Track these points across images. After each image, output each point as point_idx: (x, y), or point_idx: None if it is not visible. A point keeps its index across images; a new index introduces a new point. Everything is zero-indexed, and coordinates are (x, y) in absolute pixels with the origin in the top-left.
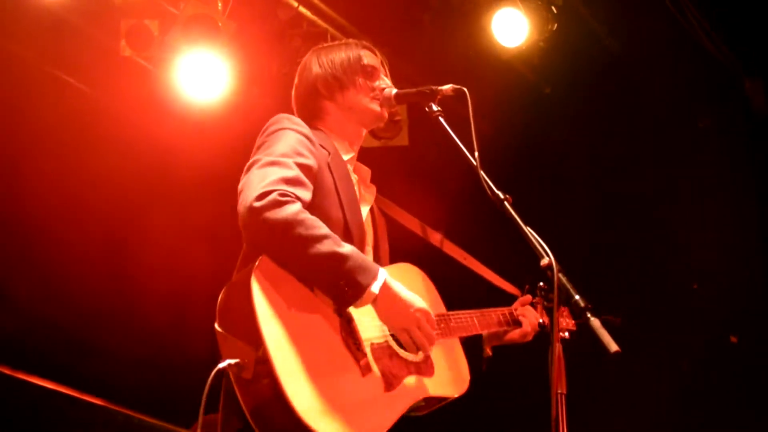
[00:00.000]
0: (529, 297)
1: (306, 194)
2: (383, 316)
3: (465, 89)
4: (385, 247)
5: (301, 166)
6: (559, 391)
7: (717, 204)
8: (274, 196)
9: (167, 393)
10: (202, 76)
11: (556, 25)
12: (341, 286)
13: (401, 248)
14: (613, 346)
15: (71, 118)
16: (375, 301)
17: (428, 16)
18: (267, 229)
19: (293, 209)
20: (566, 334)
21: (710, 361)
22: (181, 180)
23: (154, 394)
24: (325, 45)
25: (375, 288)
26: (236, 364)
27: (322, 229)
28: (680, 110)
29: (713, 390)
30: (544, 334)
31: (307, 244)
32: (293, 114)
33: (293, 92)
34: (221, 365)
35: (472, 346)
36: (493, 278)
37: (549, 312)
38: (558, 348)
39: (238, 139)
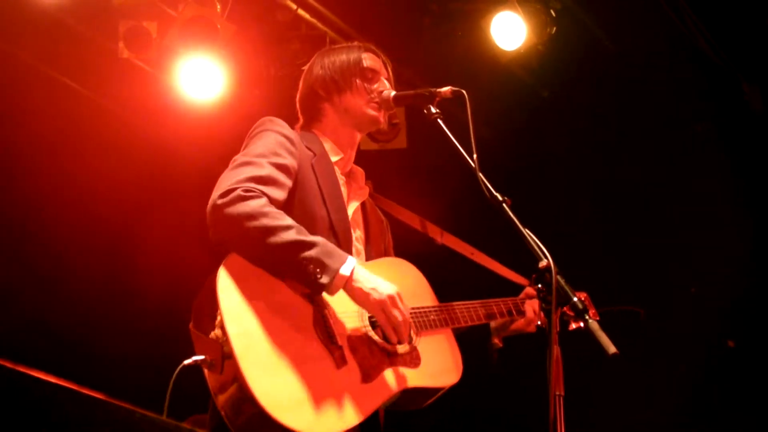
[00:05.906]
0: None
1: (277, 192)
2: (358, 300)
3: (464, 91)
4: (380, 245)
5: (276, 165)
6: (557, 393)
7: (715, 207)
8: (237, 192)
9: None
10: (200, 78)
11: (554, 29)
12: (311, 271)
13: (411, 248)
14: (612, 348)
15: (69, 120)
16: (347, 284)
17: (428, 19)
18: (230, 224)
19: (257, 203)
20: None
21: (708, 365)
22: (179, 181)
23: (151, 394)
24: (330, 48)
25: (345, 270)
26: (203, 360)
27: (287, 220)
28: (678, 113)
29: (710, 393)
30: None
31: (272, 233)
32: (297, 113)
33: (297, 94)
34: (186, 362)
35: (481, 339)
36: (502, 270)
37: (547, 314)
38: (556, 350)
39: (237, 141)
